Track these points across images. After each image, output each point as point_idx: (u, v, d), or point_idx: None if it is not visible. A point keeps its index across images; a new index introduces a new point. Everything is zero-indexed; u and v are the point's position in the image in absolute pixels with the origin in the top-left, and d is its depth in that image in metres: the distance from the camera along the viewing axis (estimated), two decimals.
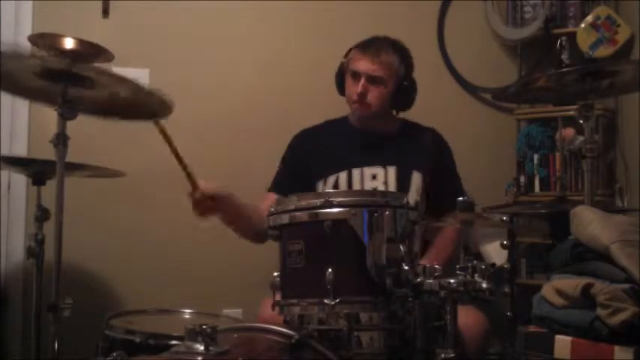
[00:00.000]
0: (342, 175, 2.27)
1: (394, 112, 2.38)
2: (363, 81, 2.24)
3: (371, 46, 2.28)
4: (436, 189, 2.27)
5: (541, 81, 2.16)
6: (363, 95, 2.24)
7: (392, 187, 2.24)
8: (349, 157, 2.28)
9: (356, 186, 2.25)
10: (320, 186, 2.27)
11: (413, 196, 2.23)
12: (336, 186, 2.26)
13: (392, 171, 2.26)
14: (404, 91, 2.30)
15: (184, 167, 1.95)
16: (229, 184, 2.76)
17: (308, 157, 2.33)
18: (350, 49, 2.35)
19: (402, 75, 2.28)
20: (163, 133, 1.88)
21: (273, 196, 2.24)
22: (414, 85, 2.33)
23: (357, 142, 2.32)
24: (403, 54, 2.31)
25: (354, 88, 2.25)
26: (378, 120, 2.33)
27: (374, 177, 2.26)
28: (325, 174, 2.28)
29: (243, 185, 2.69)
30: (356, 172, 2.26)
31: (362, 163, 2.27)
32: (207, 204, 2.00)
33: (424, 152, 2.31)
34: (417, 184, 2.26)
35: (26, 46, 2.31)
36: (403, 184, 2.24)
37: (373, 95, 2.25)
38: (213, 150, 2.81)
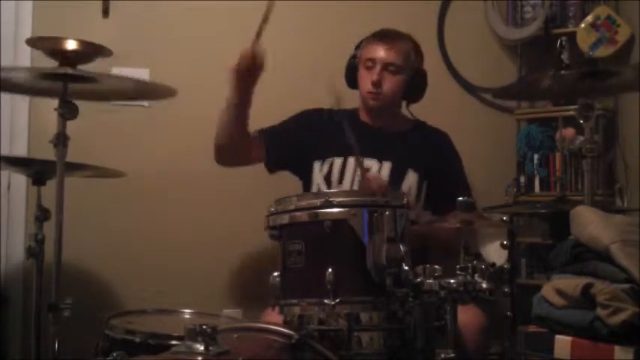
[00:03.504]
0: (338, 161, 2.26)
1: (406, 107, 2.39)
2: (378, 68, 2.22)
3: (386, 34, 2.30)
4: (437, 195, 2.25)
5: (541, 81, 2.16)
6: (378, 83, 2.22)
7: None
8: (348, 145, 2.29)
9: (348, 173, 2.24)
10: (317, 166, 2.28)
11: None
12: (330, 170, 2.26)
13: (387, 166, 2.25)
14: (416, 82, 2.30)
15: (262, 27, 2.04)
16: (229, 183, 2.78)
17: (308, 132, 2.34)
18: (361, 41, 2.34)
19: (416, 65, 2.29)
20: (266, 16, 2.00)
21: (255, 135, 2.32)
22: (426, 77, 2.33)
23: (360, 133, 2.32)
24: (416, 45, 2.33)
25: (369, 77, 2.23)
26: (388, 116, 2.32)
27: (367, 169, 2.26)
28: (324, 155, 2.28)
29: (243, 184, 2.71)
30: (351, 160, 2.25)
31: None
32: (249, 66, 2.11)
33: (427, 154, 2.29)
34: (411, 184, 2.24)
35: (26, 48, 2.33)
36: (395, 180, 2.23)
37: (388, 84, 2.24)
38: (212, 150, 2.81)
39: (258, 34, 2.05)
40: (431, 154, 2.31)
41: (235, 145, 2.26)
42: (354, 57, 2.33)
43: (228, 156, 2.31)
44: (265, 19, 2.00)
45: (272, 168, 2.36)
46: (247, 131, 2.25)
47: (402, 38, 2.30)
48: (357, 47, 2.35)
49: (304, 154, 2.29)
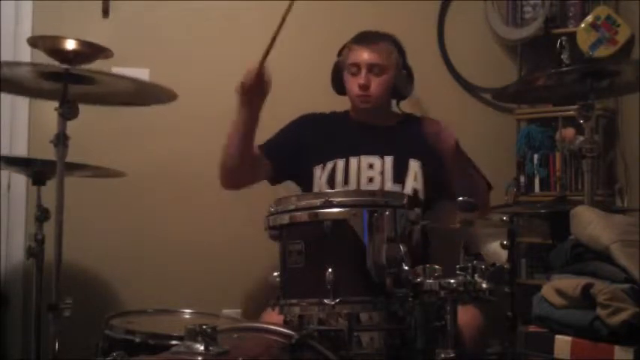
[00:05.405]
0: (340, 163, 2.27)
1: (396, 105, 2.39)
2: (364, 72, 2.24)
3: (365, 36, 2.31)
4: (442, 175, 2.20)
5: (541, 81, 2.16)
6: (366, 87, 2.23)
7: (388, 176, 2.23)
8: (348, 146, 2.29)
9: (352, 174, 2.24)
10: (318, 171, 2.27)
11: (410, 184, 2.22)
12: (333, 172, 2.25)
13: (389, 161, 2.25)
14: (403, 80, 2.31)
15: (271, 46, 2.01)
16: None
17: (307, 138, 2.34)
18: (343, 47, 2.35)
19: (400, 63, 2.30)
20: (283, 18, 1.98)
21: (256, 152, 2.28)
22: (412, 73, 2.34)
23: (357, 133, 2.33)
24: (396, 42, 2.34)
25: (356, 81, 2.25)
26: (380, 114, 2.33)
27: (371, 166, 2.26)
28: (324, 159, 2.28)
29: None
30: (353, 160, 2.26)
31: (360, 152, 2.27)
32: (255, 85, 2.08)
33: (422, 140, 2.29)
34: (415, 172, 2.24)
35: (25, 48, 2.33)
36: (400, 173, 2.23)
37: (376, 85, 2.25)
38: (212, 150, 2.80)
39: (267, 52, 2.02)
40: (427, 141, 2.29)
41: (244, 166, 2.22)
42: (337, 64, 2.35)
43: (236, 178, 2.28)
44: (281, 25, 2.01)
45: (276, 180, 2.35)
46: (254, 151, 2.23)
47: (381, 38, 2.31)
48: (339, 54, 2.36)
49: (304, 161, 2.29)
